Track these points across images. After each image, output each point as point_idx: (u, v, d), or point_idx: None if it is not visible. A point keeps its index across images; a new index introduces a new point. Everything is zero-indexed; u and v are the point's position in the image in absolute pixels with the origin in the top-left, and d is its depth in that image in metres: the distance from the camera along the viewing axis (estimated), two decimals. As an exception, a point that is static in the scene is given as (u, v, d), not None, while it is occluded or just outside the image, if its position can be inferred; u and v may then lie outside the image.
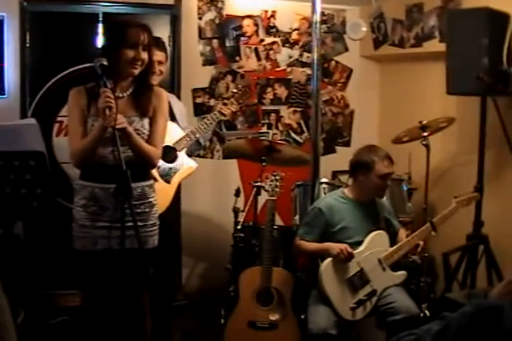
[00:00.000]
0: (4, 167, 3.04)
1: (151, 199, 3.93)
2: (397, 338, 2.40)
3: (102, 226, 3.78)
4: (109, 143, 3.62)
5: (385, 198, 4.93)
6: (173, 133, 4.72)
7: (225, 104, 4.97)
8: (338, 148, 6.80)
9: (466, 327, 2.09)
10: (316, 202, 4.81)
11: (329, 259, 4.39)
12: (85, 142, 3.69)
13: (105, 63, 3.62)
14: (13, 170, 3.04)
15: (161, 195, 4.32)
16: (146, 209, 3.89)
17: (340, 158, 6.17)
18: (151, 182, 3.99)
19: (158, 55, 4.66)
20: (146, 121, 3.85)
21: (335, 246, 4.39)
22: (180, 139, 4.76)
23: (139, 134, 3.79)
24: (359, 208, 4.63)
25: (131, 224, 3.59)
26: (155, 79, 4.67)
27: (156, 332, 4.94)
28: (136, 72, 3.77)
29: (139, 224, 3.73)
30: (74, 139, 3.72)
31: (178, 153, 4.74)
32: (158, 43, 4.69)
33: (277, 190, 4.75)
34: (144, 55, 3.75)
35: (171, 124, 4.75)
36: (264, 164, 5.12)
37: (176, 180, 4.74)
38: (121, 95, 3.82)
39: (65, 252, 3.98)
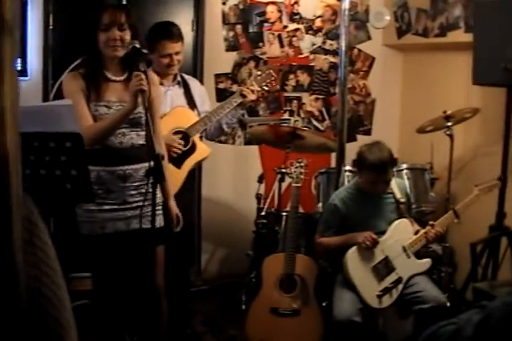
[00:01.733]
0: (39, 148, 3.03)
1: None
2: (436, 327, 2.41)
3: (108, 209, 3.81)
4: None
5: (407, 185, 4.94)
6: (186, 118, 4.72)
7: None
8: (359, 136, 6.78)
9: (510, 317, 2.10)
10: (331, 198, 4.74)
11: (354, 247, 4.40)
12: (104, 124, 3.73)
13: (137, 46, 3.66)
14: (49, 151, 3.03)
15: (171, 179, 4.33)
16: (150, 190, 3.89)
17: (361, 147, 6.17)
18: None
19: (176, 47, 4.65)
20: (139, 108, 3.80)
21: (359, 234, 4.40)
22: (194, 124, 4.71)
23: (138, 119, 3.81)
24: (375, 197, 4.59)
25: (139, 204, 3.75)
26: (174, 70, 4.73)
27: (175, 318, 4.99)
28: (119, 53, 3.77)
29: (146, 203, 3.77)
30: (86, 121, 3.71)
31: (190, 138, 4.69)
32: (173, 33, 4.70)
33: (302, 176, 4.75)
34: (122, 35, 3.74)
35: (184, 109, 4.76)
36: (287, 150, 5.13)
37: (187, 165, 4.69)
38: (116, 79, 3.85)
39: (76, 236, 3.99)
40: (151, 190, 3.78)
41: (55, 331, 1.26)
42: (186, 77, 4.99)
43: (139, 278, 3.99)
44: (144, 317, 4.13)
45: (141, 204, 3.75)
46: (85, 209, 3.81)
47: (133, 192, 3.85)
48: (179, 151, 4.52)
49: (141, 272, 3.96)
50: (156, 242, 3.93)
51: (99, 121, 3.75)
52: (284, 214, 5.12)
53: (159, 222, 3.95)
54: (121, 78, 3.86)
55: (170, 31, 4.69)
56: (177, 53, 4.67)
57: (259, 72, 5.03)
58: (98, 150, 3.75)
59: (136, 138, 3.85)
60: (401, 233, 4.53)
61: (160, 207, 3.96)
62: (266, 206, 5.18)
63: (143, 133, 3.77)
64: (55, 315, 1.27)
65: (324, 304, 4.60)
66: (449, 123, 5.05)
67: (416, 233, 4.53)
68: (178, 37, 4.70)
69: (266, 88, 5.03)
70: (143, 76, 3.59)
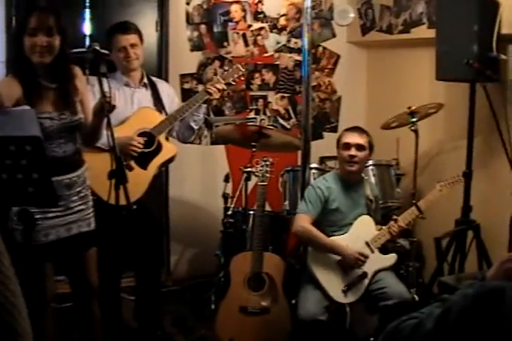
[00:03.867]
0: (0, 152, 3.01)
1: (88, 182, 3.93)
2: (398, 322, 2.42)
3: (52, 217, 3.71)
4: (55, 137, 3.64)
5: (372, 183, 4.97)
6: (151, 119, 4.67)
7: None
8: (325, 134, 6.81)
9: (469, 309, 2.11)
10: (313, 182, 4.86)
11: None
12: None
13: (98, 48, 3.62)
14: (9, 155, 3.01)
15: (138, 181, 4.31)
16: (87, 192, 3.90)
17: (328, 144, 6.16)
18: (86, 165, 3.98)
19: (130, 39, 4.60)
20: (79, 113, 3.78)
21: (350, 253, 4.40)
22: (159, 124, 4.63)
23: (77, 125, 3.78)
24: (349, 190, 4.67)
25: (79, 208, 3.79)
26: (133, 64, 4.66)
27: (146, 318, 4.98)
28: (45, 59, 3.61)
29: (83, 207, 3.83)
30: None
31: (155, 138, 4.62)
32: (126, 26, 4.67)
33: (268, 175, 4.77)
34: (50, 40, 3.59)
35: (149, 110, 4.72)
36: (254, 149, 5.13)
37: (152, 165, 4.64)
38: (49, 85, 3.71)
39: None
40: (87, 192, 3.86)
41: (10, 338, 1.25)
42: (154, 79, 4.95)
43: (74, 280, 4.03)
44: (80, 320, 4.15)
45: (80, 208, 3.79)
46: None
47: (75, 198, 3.79)
48: (139, 150, 4.48)
49: (75, 274, 4.00)
50: (92, 244, 3.95)
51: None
52: (251, 212, 5.13)
53: (93, 223, 3.94)
54: (54, 85, 3.71)
55: (122, 25, 4.67)
56: (132, 46, 4.59)
57: (226, 67, 5.00)
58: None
59: (75, 143, 3.81)
60: (364, 228, 4.58)
61: (92, 209, 3.94)
62: (233, 205, 5.18)
63: (77, 138, 3.82)
64: (11, 322, 1.25)
65: (293, 301, 4.60)
66: (414, 119, 5.07)
67: (379, 230, 4.58)
68: (132, 30, 4.63)
69: (233, 83, 5.00)
70: (106, 85, 3.58)
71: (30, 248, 3.60)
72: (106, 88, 3.59)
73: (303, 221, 4.54)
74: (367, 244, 4.51)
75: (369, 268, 4.45)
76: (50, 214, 3.69)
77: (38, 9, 3.65)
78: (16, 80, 3.63)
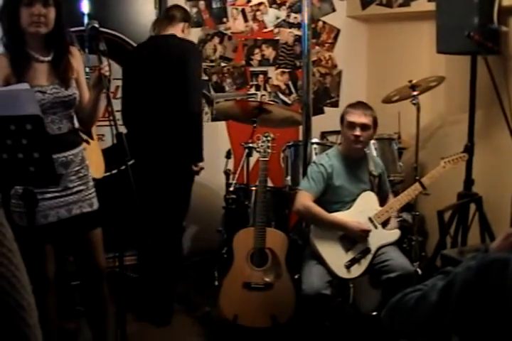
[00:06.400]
0: (0, 132, 3.00)
1: (86, 162, 3.89)
2: (402, 294, 2.43)
3: (50, 197, 3.68)
4: (48, 113, 3.59)
5: (375, 157, 4.96)
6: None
7: None
8: (326, 108, 6.80)
9: (472, 281, 2.11)
10: (316, 159, 4.84)
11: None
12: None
13: (96, 25, 3.59)
14: (9, 134, 2.99)
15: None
16: (86, 172, 3.86)
17: (329, 119, 6.17)
18: (84, 145, 3.97)
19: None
20: (72, 89, 3.74)
21: (354, 226, 4.42)
22: None
23: (72, 101, 3.74)
24: (351, 166, 4.65)
25: (78, 188, 3.76)
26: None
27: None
28: (42, 30, 3.57)
29: (82, 187, 3.80)
30: None
31: None
32: None
33: (269, 150, 4.75)
34: (46, 12, 3.56)
35: None
36: (254, 125, 5.12)
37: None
38: (43, 59, 3.68)
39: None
40: (86, 172, 3.83)
41: (16, 312, 1.25)
42: None
43: (81, 262, 4.00)
44: (88, 301, 4.15)
45: (80, 188, 3.76)
46: None
47: (73, 178, 3.75)
48: None
49: (82, 256, 3.98)
50: (96, 224, 3.93)
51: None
52: (253, 188, 5.13)
53: (96, 204, 3.91)
54: (48, 58, 3.69)
55: None
56: None
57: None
58: None
59: (70, 120, 3.78)
60: (367, 204, 4.58)
61: (94, 189, 3.91)
62: (235, 181, 5.18)
63: (74, 115, 3.80)
64: (16, 296, 1.25)
65: (296, 276, 4.61)
66: (415, 93, 5.05)
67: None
68: None
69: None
70: (105, 63, 3.57)
71: (31, 229, 3.56)
72: (106, 65, 3.59)
73: (304, 199, 4.52)
74: (370, 219, 4.51)
75: (372, 243, 4.45)
76: (48, 195, 3.66)
77: None
78: (3, 57, 3.61)
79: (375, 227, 4.50)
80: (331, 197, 4.57)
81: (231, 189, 5.14)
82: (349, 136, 4.52)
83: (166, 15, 5.11)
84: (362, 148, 4.61)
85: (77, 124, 3.91)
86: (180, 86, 4.78)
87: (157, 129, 4.92)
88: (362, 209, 4.54)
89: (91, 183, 3.89)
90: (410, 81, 5.06)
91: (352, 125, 4.50)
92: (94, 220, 3.90)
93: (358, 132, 4.48)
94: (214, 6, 6.31)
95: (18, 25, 3.57)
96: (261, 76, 6.55)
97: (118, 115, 4.73)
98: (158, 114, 4.90)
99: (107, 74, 3.59)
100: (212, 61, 6.30)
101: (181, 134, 4.84)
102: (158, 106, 4.88)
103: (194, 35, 6.20)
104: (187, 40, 5.04)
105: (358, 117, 4.51)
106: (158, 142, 4.93)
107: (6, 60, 3.59)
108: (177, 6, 5.22)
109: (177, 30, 5.00)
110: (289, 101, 6.67)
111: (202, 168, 4.96)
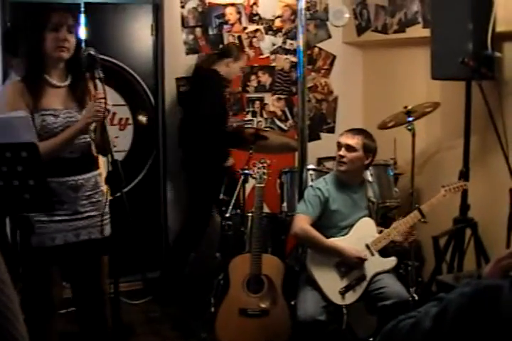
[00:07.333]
0: (-4, 159, 3.01)
1: (102, 188, 3.86)
2: (396, 321, 2.42)
3: (59, 220, 3.68)
4: None
5: (373, 184, 4.96)
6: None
7: None
8: (322, 134, 6.83)
9: (466, 308, 2.10)
10: (313, 183, 4.86)
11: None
12: (53, 144, 3.60)
13: (93, 52, 3.60)
14: (5, 162, 3.01)
15: None
16: (100, 198, 3.83)
17: (325, 145, 6.21)
18: (100, 170, 3.94)
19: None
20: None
21: (350, 253, 4.41)
22: None
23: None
24: (348, 192, 4.64)
25: (90, 214, 3.73)
26: None
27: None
28: (65, 55, 3.64)
29: (94, 213, 3.78)
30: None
31: None
32: None
33: (265, 177, 4.75)
34: (70, 37, 3.64)
35: None
36: (251, 152, 5.13)
37: None
38: (60, 84, 3.73)
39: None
40: (100, 198, 3.79)
41: None
42: None
43: (85, 287, 3.96)
44: (90, 324, 4.09)
45: (92, 214, 3.75)
46: (36, 220, 3.64)
47: (84, 202, 3.75)
48: None
49: (87, 281, 3.94)
50: (103, 252, 3.90)
51: (48, 135, 3.61)
52: (250, 214, 5.12)
53: (107, 231, 3.88)
54: (65, 83, 3.74)
55: None
56: None
57: None
58: (48, 161, 3.48)
59: (85, 145, 3.76)
60: (365, 231, 4.57)
61: (108, 216, 3.88)
62: (231, 207, 5.17)
63: (89, 140, 3.77)
64: (10, 329, 1.24)
65: (293, 303, 4.60)
66: (410, 118, 5.07)
67: (380, 232, 4.57)
68: None
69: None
70: (102, 94, 3.56)
71: (35, 251, 3.64)
72: (101, 92, 3.59)
73: (302, 222, 4.51)
74: (367, 246, 4.50)
75: (368, 270, 4.44)
76: (57, 218, 3.66)
77: (59, 8, 3.77)
78: (21, 83, 3.65)
79: (372, 254, 4.49)
80: (326, 221, 4.56)
81: (227, 215, 5.14)
82: (336, 156, 4.58)
83: None
84: (346, 171, 4.58)
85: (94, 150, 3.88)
86: None
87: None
88: (359, 236, 4.52)
89: (106, 210, 3.84)
90: (405, 107, 5.08)
91: (338, 145, 4.59)
92: (102, 247, 3.86)
93: (342, 152, 4.53)
94: (210, 32, 6.35)
95: (41, 50, 3.63)
96: (257, 102, 6.57)
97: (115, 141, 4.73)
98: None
99: (102, 101, 3.55)
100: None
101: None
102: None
103: (191, 61, 6.24)
104: None
105: (344, 138, 4.58)
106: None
107: (24, 86, 3.63)
108: None
109: None
110: (286, 128, 6.69)
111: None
